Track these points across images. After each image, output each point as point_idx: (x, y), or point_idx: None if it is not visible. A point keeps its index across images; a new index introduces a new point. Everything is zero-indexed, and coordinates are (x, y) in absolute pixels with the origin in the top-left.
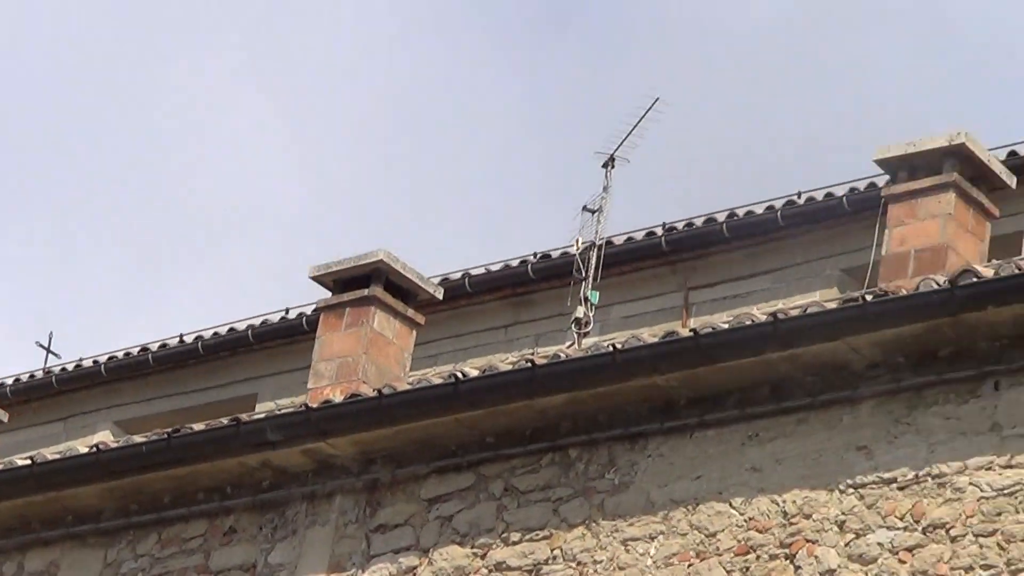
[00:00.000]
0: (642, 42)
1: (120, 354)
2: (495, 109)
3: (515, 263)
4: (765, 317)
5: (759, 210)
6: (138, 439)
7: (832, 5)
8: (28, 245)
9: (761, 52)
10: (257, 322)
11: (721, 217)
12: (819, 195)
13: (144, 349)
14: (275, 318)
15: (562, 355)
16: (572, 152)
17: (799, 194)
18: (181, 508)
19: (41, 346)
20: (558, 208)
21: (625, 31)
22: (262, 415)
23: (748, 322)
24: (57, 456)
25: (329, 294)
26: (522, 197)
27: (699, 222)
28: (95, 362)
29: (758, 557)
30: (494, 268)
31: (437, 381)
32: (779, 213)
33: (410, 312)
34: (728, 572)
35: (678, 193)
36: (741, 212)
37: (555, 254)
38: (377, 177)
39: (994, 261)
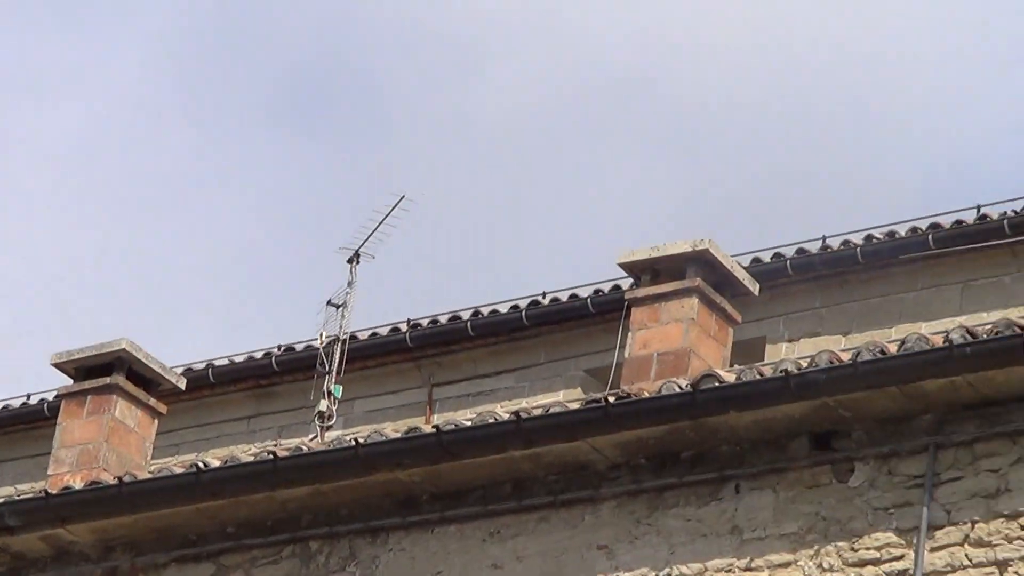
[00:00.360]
0: (392, 137)
1: None
2: (243, 200)
3: (259, 355)
4: (508, 415)
5: (504, 309)
6: None
7: (580, 106)
8: None
9: (510, 150)
10: None
11: (466, 315)
12: (563, 296)
13: None
14: (16, 403)
15: (305, 448)
16: (319, 246)
17: (544, 295)
18: None
19: None
20: (304, 302)
21: (376, 126)
22: (0, 500)
23: (491, 420)
24: None
25: (71, 381)
26: (269, 289)
27: (444, 319)
28: None
29: None
30: (238, 359)
31: (179, 470)
32: (524, 313)
33: (152, 401)
34: None
35: (424, 290)
36: (486, 311)
37: (299, 347)
38: (122, 263)
39: (736, 366)
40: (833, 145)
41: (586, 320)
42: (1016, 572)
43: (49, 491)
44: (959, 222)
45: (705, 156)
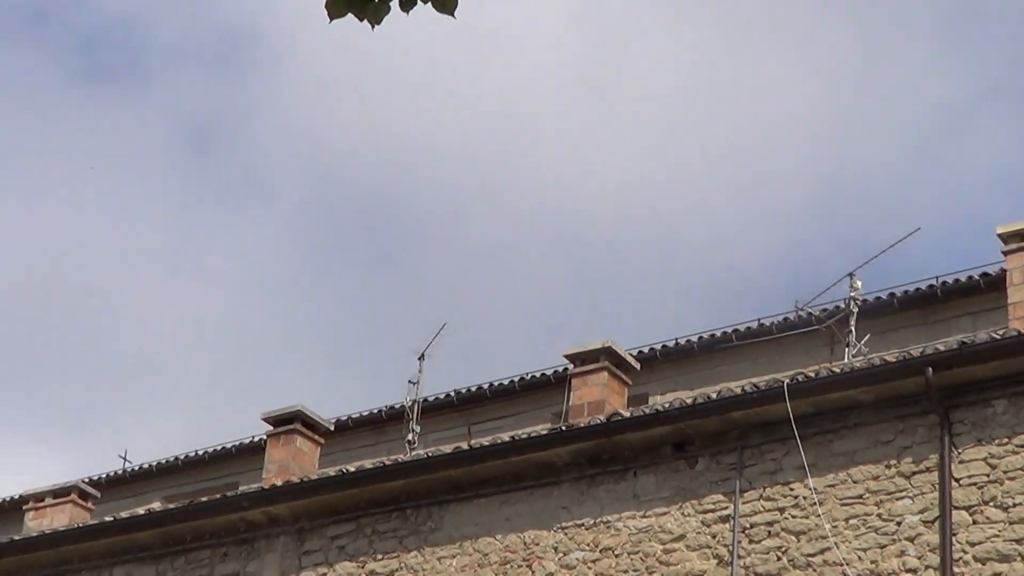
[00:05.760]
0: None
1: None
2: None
3: (376, 410)
4: (508, 438)
5: (506, 381)
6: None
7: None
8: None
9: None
10: (234, 443)
11: (485, 386)
12: (539, 374)
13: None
14: (247, 440)
15: (400, 459)
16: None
17: (527, 374)
18: (199, 542)
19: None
20: (391, 378)
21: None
22: (240, 492)
23: (499, 441)
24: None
25: (272, 427)
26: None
27: (477, 387)
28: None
29: (511, 565)
30: (363, 413)
31: (332, 473)
32: (517, 383)
33: (315, 436)
34: (495, 573)
35: (466, 371)
36: (497, 383)
37: (397, 405)
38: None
39: (631, 408)
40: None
41: (551, 386)
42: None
43: (263, 487)
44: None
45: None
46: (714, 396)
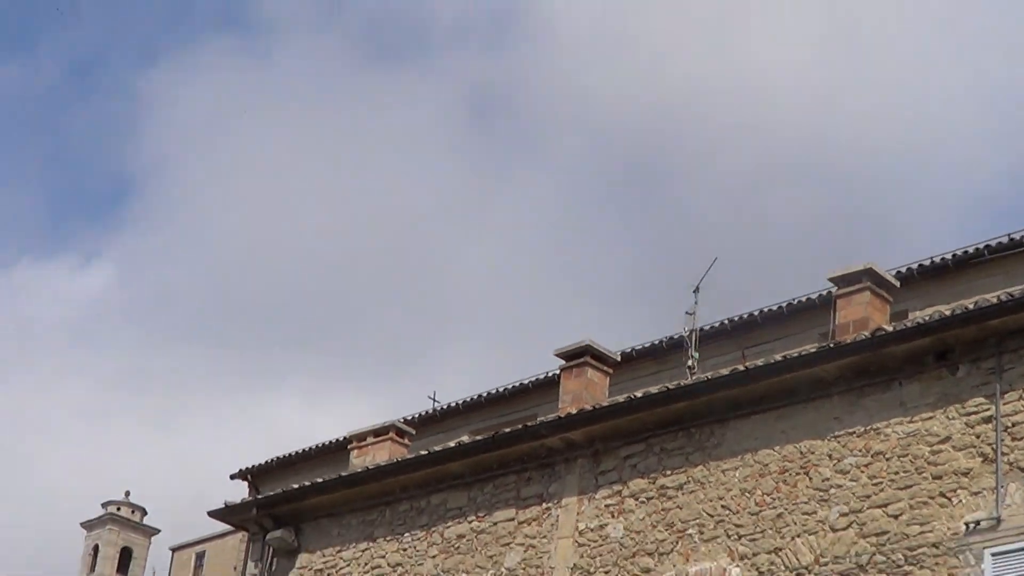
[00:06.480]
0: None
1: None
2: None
3: (657, 341)
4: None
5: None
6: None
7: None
8: None
9: None
10: (531, 379)
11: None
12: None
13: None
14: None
15: (681, 383)
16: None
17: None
18: (505, 469)
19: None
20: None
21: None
22: (540, 422)
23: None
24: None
25: (563, 362)
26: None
27: (757, 311)
28: None
29: (789, 474)
30: (642, 346)
31: (620, 400)
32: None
33: (604, 367)
34: (775, 481)
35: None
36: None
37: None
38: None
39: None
40: None
41: (817, 309)
42: None
43: (560, 416)
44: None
45: None
46: (971, 307)
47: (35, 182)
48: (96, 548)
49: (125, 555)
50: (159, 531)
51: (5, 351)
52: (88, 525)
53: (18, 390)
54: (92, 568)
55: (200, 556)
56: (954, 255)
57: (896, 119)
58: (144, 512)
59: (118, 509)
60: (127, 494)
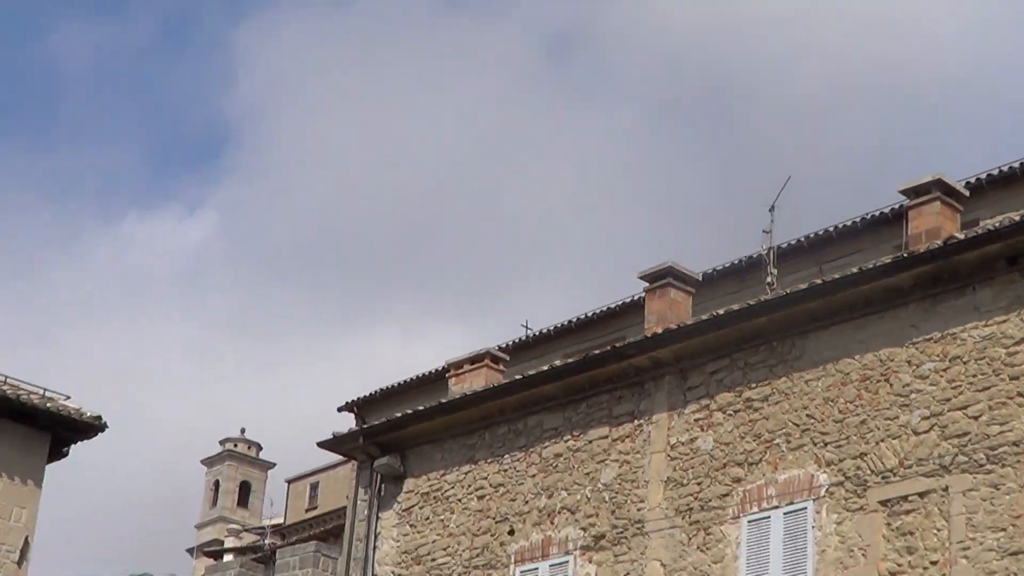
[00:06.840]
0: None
1: None
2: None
3: (738, 260)
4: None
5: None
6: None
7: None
8: None
9: None
10: (617, 303)
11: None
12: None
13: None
14: (628, 299)
15: (763, 297)
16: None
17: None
18: (597, 388)
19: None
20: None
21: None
22: (628, 342)
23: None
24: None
25: (647, 284)
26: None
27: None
28: None
29: (870, 381)
30: (725, 265)
31: (698, 319)
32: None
33: (686, 288)
34: (857, 389)
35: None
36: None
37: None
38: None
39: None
40: None
41: (890, 221)
42: None
43: (647, 335)
44: None
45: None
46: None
47: (136, 138)
48: (217, 483)
49: (244, 488)
50: (275, 465)
51: (118, 301)
52: (208, 461)
53: (133, 337)
54: (214, 502)
55: (314, 487)
56: (1021, 163)
57: (969, 33)
58: (259, 447)
59: (235, 446)
60: (243, 431)
